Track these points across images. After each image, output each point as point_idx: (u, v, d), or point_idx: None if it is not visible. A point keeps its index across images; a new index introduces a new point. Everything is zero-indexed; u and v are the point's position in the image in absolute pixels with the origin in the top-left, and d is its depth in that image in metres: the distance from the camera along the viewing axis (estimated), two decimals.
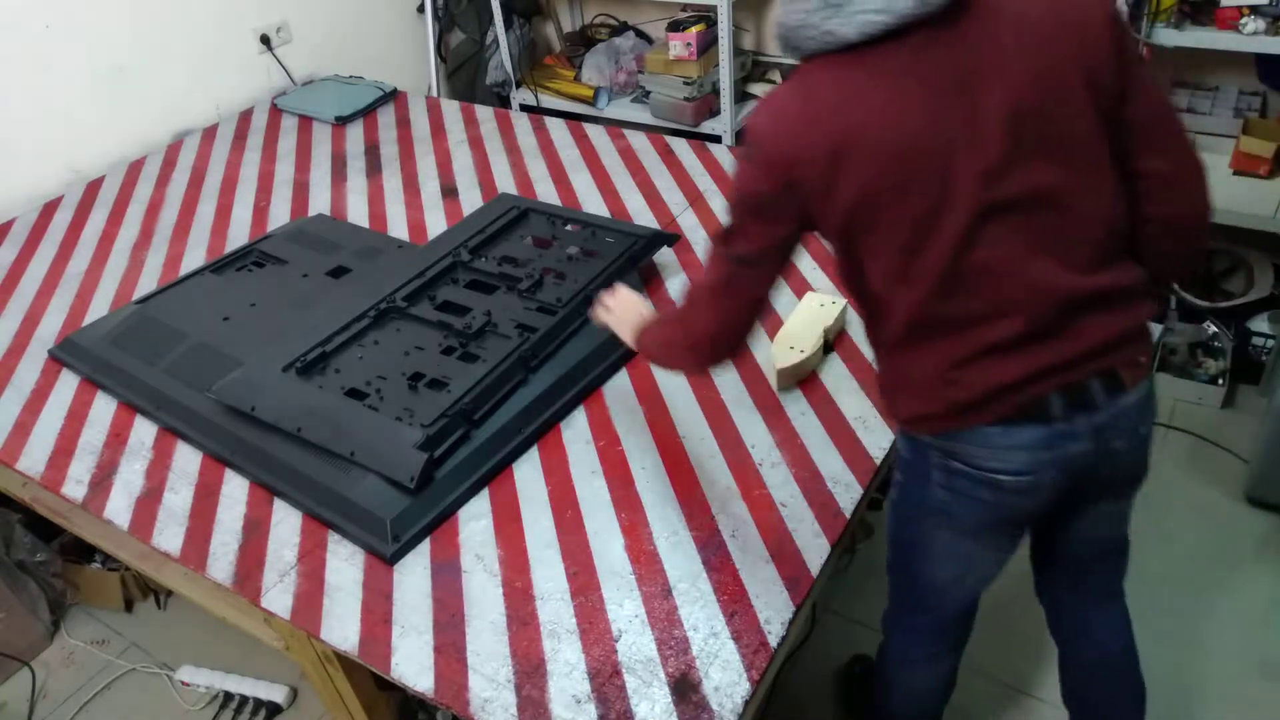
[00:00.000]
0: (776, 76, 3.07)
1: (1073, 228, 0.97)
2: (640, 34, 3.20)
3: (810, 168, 0.93)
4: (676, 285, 1.69)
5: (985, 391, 1.00)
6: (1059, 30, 0.93)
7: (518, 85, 3.18)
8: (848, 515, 1.21)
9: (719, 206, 1.92)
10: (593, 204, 1.98)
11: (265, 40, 2.65)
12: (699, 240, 1.81)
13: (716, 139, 2.84)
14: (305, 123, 2.52)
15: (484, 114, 2.47)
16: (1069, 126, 0.94)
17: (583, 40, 3.33)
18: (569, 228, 1.72)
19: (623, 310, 1.32)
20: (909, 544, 1.22)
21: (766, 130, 0.96)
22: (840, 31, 0.90)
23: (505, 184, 2.10)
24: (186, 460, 1.42)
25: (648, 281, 1.70)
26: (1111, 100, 0.96)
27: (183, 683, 1.92)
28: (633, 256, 1.61)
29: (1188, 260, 1.11)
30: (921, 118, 0.91)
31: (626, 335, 1.29)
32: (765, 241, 1.00)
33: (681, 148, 2.16)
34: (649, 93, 2.94)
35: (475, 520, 1.27)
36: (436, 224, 1.97)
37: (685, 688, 1.03)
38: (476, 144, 2.30)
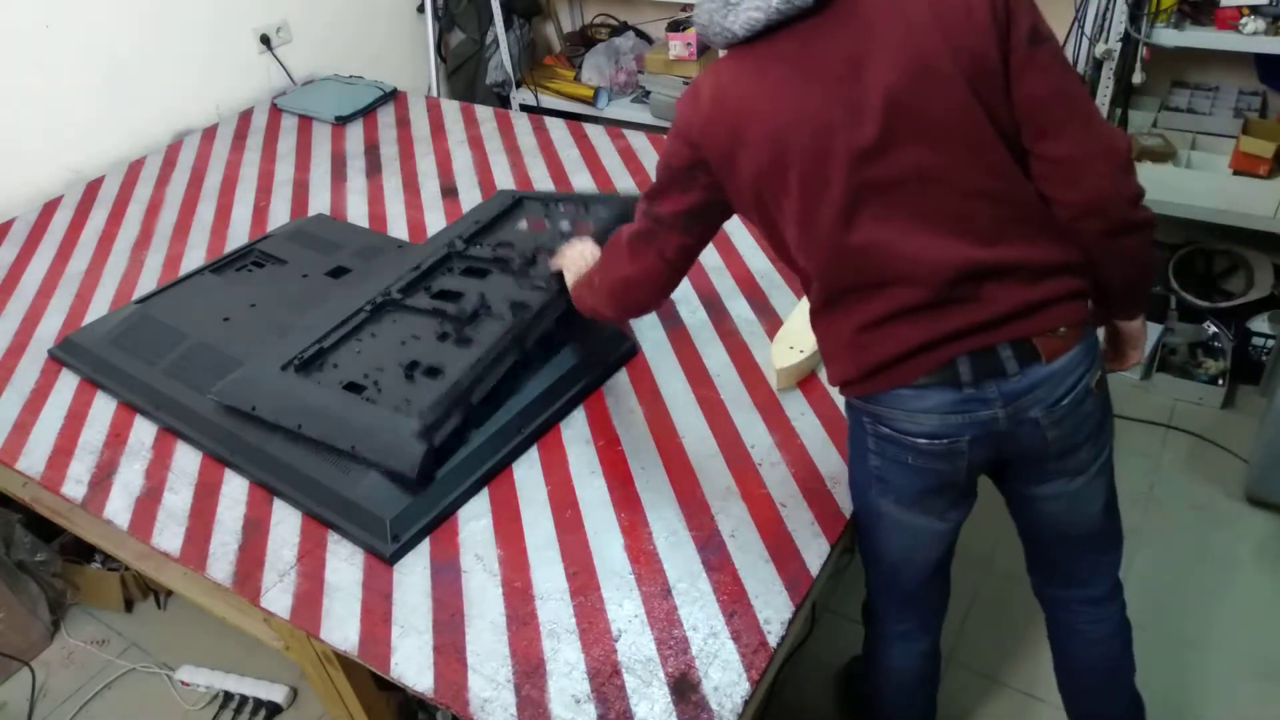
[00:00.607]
0: None
1: (960, 204, 1.01)
2: (640, 34, 3.20)
3: (713, 148, 1.04)
4: None
5: (894, 354, 1.05)
6: (934, 15, 0.97)
7: (518, 85, 3.18)
8: (848, 515, 1.21)
9: None
10: None
11: (265, 40, 2.65)
12: None
13: None
14: (305, 123, 2.52)
15: (484, 114, 2.47)
16: (943, 107, 0.98)
17: (583, 40, 3.33)
18: (561, 207, 1.71)
19: (572, 257, 1.39)
20: (862, 518, 1.23)
21: (683, 110, 1.07)
22: (732, 28, 0.99)
23: (505, 184, 2.10)
24: (186, 460, 1.42)
25: None
26: (994, 81, 0.99)
27: (183, 683, 1.92)
28: (623, 218, 1.59)
29: (1131, 254, 1.09)
30: (801, 103, 0.99)
31: (569, 280, 1.37)
32: (679, 206, 1.10)
33: None
34: (649, 93, 2.94)
35: (475, 520, 1.27)
36: (436, 224, 1.97)
37: (685, 688, 1.03)
38: (476, 144, 2.30)
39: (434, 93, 3.16)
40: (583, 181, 2.07)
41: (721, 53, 1.07)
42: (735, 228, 1.84)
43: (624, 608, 1.12)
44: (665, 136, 1.12)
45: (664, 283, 1.19)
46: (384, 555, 1.22)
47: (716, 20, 1.01)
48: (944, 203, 1.01)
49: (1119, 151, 1.03)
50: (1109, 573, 1.33)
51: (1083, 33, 2.17)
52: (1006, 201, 1.02)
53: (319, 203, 2.10)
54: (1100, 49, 2.15)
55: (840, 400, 1.39)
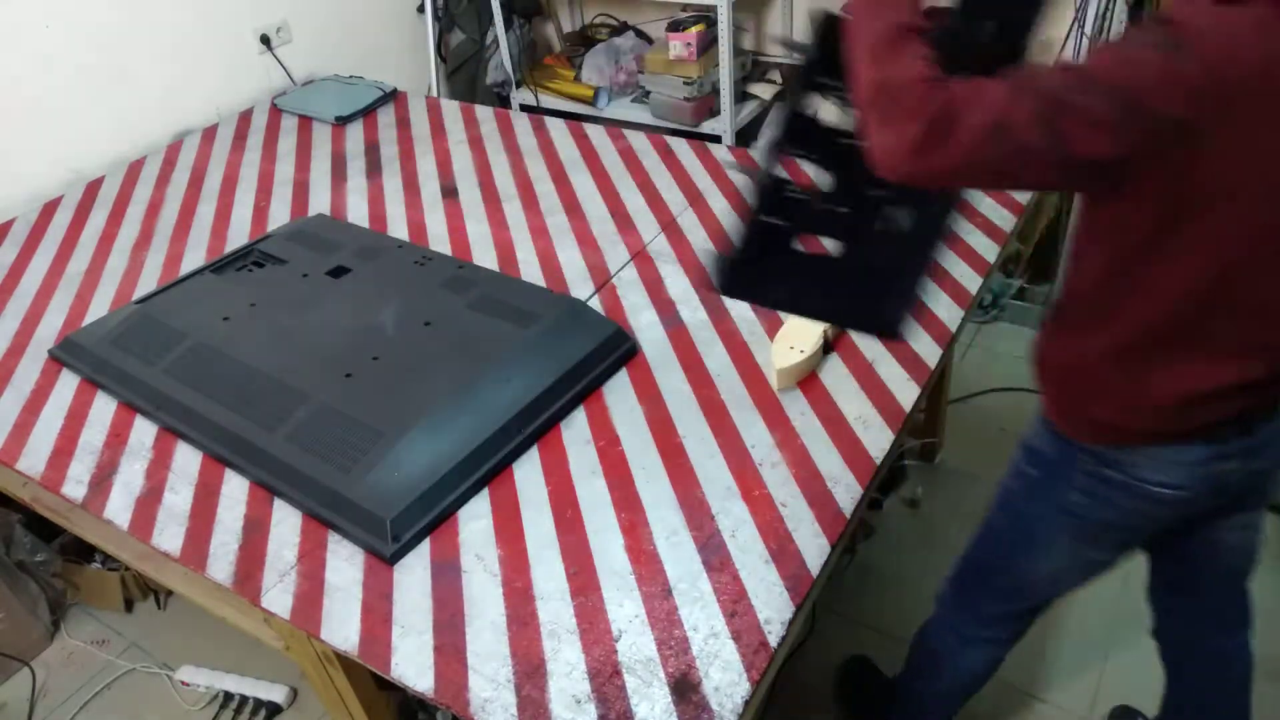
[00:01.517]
0: (776, 76, 3.07)
1: None
2: (640, 34, 3.20)
3: (1230, 93, 0.77)
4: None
5: (1202, 423, 0.99)
6: None
7: (518, 85, 3.18)
8: (848, 515, 1.21)
9: (719, 206, 1.92)
10: (593, 204, 1.98)
11: (265, 40, 2.65)
12: (699, 241, 1.81)
13: (717, 139, 2.84)
14: (305, 123, 2.52)
15: (484, 114, 2.47)
16: None
17: (583, 40, 3.33)
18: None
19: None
20: (1017, 535, 1.21)
21: (1206, 26, 0.77)
22: None
23: (505, 184, 2.10)
24: (186, 460, 1.42)
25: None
26: None
27: (183, 683, 1.92)
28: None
29: None
30: None
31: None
32: (1099, 148, 0.79)
33: (681, 148, 2.17)
34: (649, 93, 2.95)
35: (475, 520, 1.27)
36: (437, 224, 1.97)
37: (685, 688, 1.03)
38: (476, 144, 2.30)
39: (434, 93, 3.16)
40: (583, 181, 2.07)
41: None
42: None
43: (624, 608, 1.12)
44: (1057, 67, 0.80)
45: (988, 177, 0.84)
46: (384, 555, 1.22)
47: None
48: None
49: None
50: (1247, 602, 1.33)
51: (1083, 32, 2.17)
52: None
53: (319, 203, 2.10)
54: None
55: (845, 404, 1.39)
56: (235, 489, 1.36)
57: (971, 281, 1.59)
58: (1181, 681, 1.43)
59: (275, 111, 2.60)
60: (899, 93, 0.81)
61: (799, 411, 1.38)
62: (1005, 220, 1.75)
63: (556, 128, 2.35)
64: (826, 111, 1.10)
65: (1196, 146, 0.79)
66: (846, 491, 1.24)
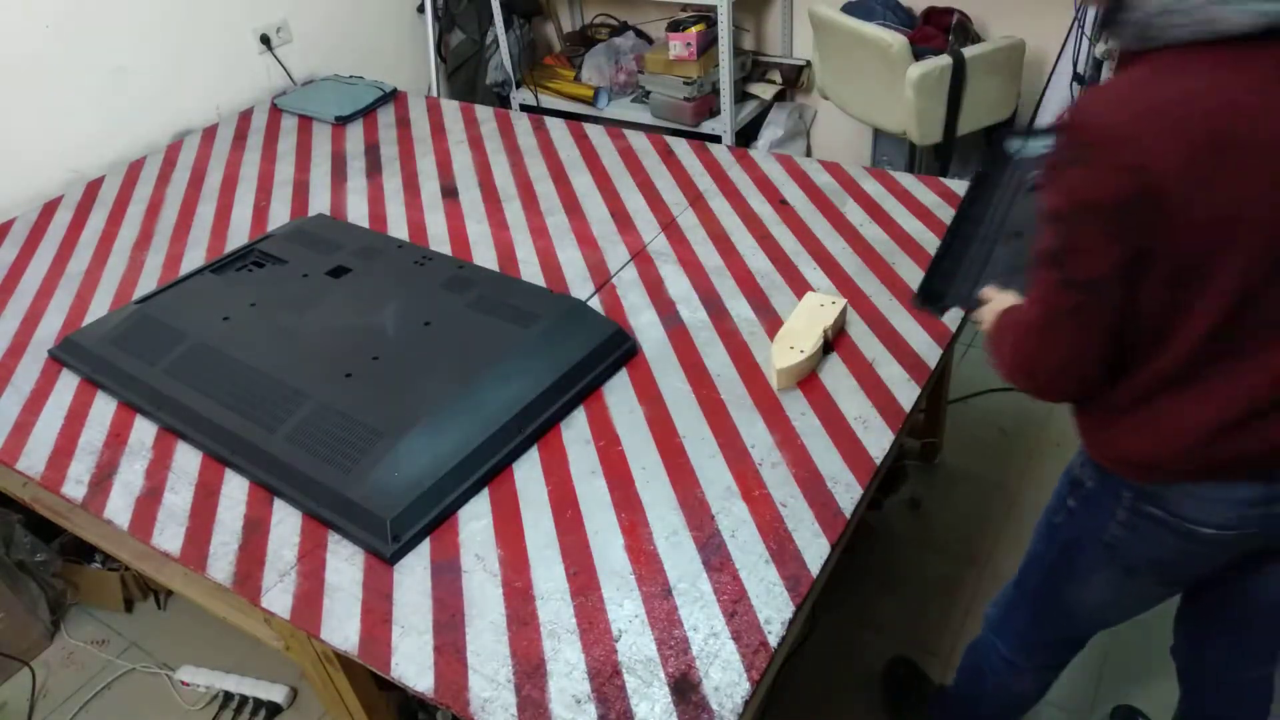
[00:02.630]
0: (776, 76, 3.07)
1: None
2: (640, 34, 3.20)
3: (1174, 170, 0.80)
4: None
5: (1238, 458, 0.94)
6: None
7: (518, 85, 3.18)
8: (848, 515, 1.21)
9: (719, 207, 1.92)
10: (593, 204, 1.98)
11: (265, 40, 2.65)
12: (699, 240, 1.81)
13: (716, 139, 2.84)
14: (305, 123, 2.52)
15: (484, 114, 2.47)
16: None
17: (583, 40, 3.33)
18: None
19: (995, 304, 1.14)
20: (1060, 565, 1.19)
21: (1106, 116, 0.81)
22: (1230, 19, 0.78)
23: (505, 184, 2.10)
24: (186, 460, 1.42)
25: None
26: None
27: (183, 683, 1.92)
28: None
29: None
30: None
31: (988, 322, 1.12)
32: (1105, 262, 0.86)
33: (681, 148, 2.17)
34: (649, 93, 2.95)
35: (475, 520, 1.27)
36: (436, 224, 1.97)
37: (685, 688, 1.03)
38: (476, 144, 2.30)
39: (434, 93, 3.16)
40: (583, 181, 2.07)
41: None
42: (735, 226, 1.84)
43: (624, 608, 1.12)
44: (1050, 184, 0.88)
45: (1097, 358, 0.93)
46: (384, 555, 1.22)
47: (1186, 8, 0.79)
48: None
49: None
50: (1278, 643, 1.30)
51: (1082, 32, 2.17)
52: None
53: (319, 203, 2.10)
54: (1100, 49, 2.15)
55: (845, 404, 1.39)
56: (235, 489, 1.36)
57: None
58: (1201, 707, 1.41)
59: (275, 111, 2.60)
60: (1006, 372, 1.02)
61: (799, 411, 1.38)
62: None
63: (556, 128, 2.35)
64: None
65: (1167, 225, 0.82)
66: (846, 491, 1.24)
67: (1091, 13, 2.12)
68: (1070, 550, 1.17)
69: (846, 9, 2.60)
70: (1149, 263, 0.85)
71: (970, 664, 1.46)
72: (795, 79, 3.04)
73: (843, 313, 1.51)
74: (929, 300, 1.41)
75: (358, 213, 2.05)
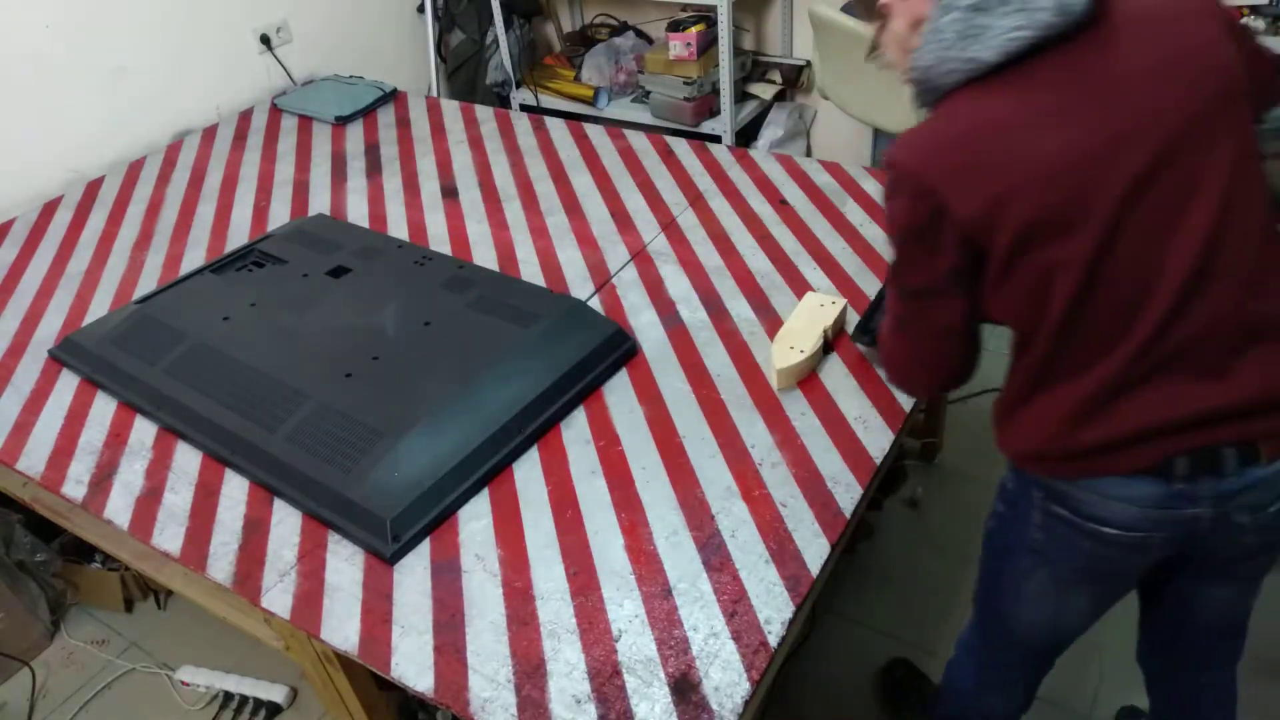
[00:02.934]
0: (776, 77, 3.07)
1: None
2: (640, 34, 3.20)
3: (959, 194, 0.92)
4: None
5: (1116, 438, 0.96)
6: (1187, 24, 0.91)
7: (518, 85, 3.18)
8: (848, 515, 1.21)
9: (719, 207, 1.92)
10: (593, 204, 1.98)
11: (265, 40, 2.65)
12: (699, 240, 1.81)
13: (716, 139, 2.84)
14: (305, 123, 2.52)
15: (484, 114, 2.47)
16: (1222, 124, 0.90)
17: (583, 40, 3.33)
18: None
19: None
20: (999, 579, 1.19)
21: (907, 157, 0.96)
22: (981, 56, 0.90)
23: (505, 184, 2.10)
24: (186, 460, 1.42)
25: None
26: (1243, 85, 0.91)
27: (183, 683, 1.92)
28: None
29: None
30: (1066, 134, 0.89)
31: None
32: (934, 270, 0.99)
33: (681, 148, 2.17)
34: (649, 93, 2.95)
35: (475, 520, 1.27)
36: (436, 224, 1.97)
37: (685, 688, 1.03)
38: (476, 144, 2.30)
39: (434, 93, 3.16)
40: (583, 181, 2.07)
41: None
42: (735, 226, 1.84)
43: (624, 608, 1.12)
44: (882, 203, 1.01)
45: (961, 354, 1.07)
46: (384, 555, 1.22)
47: (952, 55, 0.91)
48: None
49: None
50: (1235, 657, 1.30)
51: None
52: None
53: (319, 203, 2.10)
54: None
55: (844, 404, 1.39)
56: (235, 489, 1.36)
57: None
58: (1167, 712, 1.41)
59: (275, 111, 2.60)
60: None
61: (799, 411, 1.38)
62: None
63: (556, 128, 2.35)
64: None
65: (965, 231, 0.94)
66: (846, 491, 1.24)
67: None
68: (1006, 560, 1.17)
69: (846, 9, 2.60)
70: (974, 265, 0.97)
71: (945, 683, 1.45)
72: (795, 79, 3.04)
73: (843, 313, 1.51)
74: (866, 333, 1.45)
75: (358, 213, 2.05)
